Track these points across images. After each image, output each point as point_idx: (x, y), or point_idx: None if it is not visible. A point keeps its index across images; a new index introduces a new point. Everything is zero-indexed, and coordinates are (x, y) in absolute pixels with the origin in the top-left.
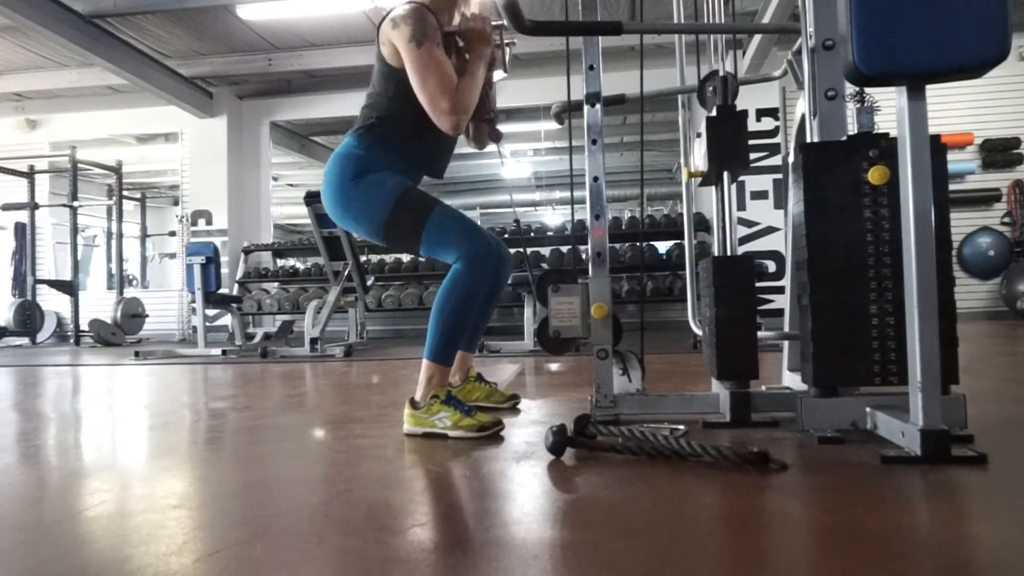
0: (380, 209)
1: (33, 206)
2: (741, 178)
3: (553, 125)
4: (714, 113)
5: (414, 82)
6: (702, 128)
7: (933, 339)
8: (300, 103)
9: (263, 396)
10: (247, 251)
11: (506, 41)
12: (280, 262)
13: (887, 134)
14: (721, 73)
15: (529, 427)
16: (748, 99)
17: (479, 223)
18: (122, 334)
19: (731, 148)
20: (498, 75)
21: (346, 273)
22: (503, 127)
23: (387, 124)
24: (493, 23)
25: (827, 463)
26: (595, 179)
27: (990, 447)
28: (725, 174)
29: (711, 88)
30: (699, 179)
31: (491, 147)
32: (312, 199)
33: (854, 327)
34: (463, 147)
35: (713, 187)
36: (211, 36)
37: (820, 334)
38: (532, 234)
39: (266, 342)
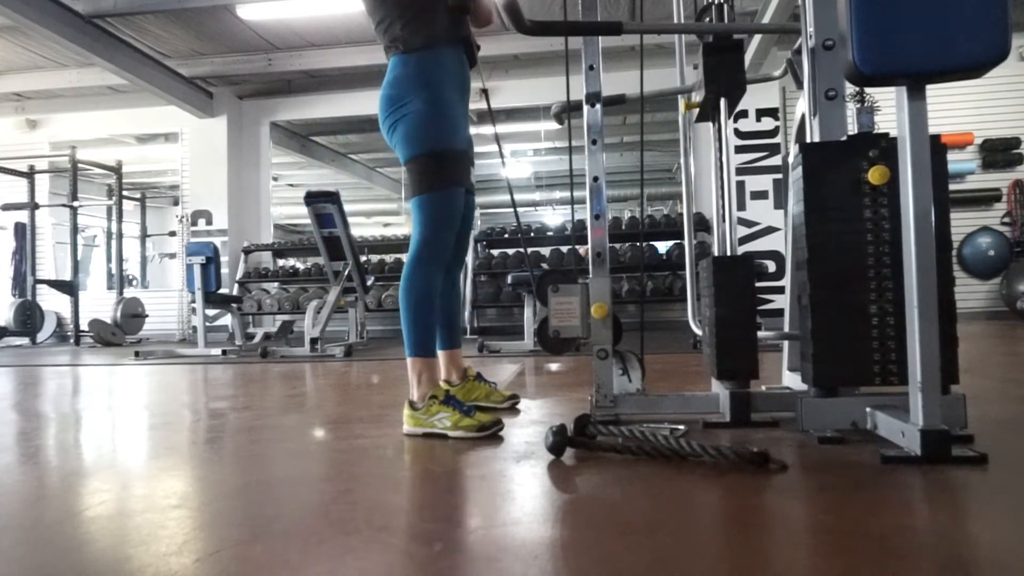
0: (418, 146)
1: (33, 206)
2: (741, 178)
3: (553, 125)
4: (711, 40)
5: None
6: (699, 59)
7: (933, 339)
8: (300, 103)
9: (263, 396)
10: (247, 251)
11: None
12: (280, 262)
13: (887, 134)
14: (718, 1)
15: (529, 427)
16: (748, 99)
17: (477, 222)
18: (122, 334)
19: (728, 74)
20: None
21: (346, 273)
22: (503, 127)
23: (408, 25)
24: None
25: (827, 463)
26: (595, 179)
27: (990, 447)
28: (722, 103)
29: (708, 18)
30: (697, 175)
31: (493, 146)
32: (312, 199)
33: (854, 327)
34: None
35: (711, 123)
36: (211, 36)
37: (820, 334)
38: (532, 234)
39: (266, 342)
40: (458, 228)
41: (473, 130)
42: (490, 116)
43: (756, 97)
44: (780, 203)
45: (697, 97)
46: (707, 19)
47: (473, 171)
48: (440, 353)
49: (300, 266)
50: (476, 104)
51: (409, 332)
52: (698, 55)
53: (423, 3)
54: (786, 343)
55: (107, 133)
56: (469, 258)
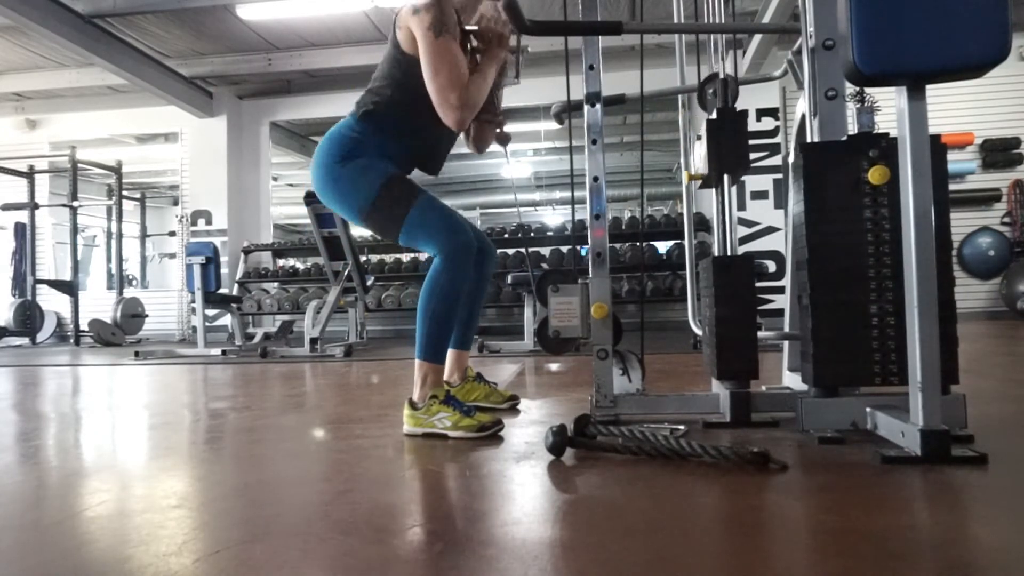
0: (366, 193)
1: (33, 206)
2: (741, 178)
3: (553, 125)
4: (714, 116)
5: (426, 71)
6: (702, 131)
7: (933, 339)
8: (300, 103)
9: (263, 396)
10: (247, 251)
11: (522, 46)
12: (280, 262)
13: (887, 134)
14: (721, 75)
15: (529, 427)
16: (748, 99)
17: (477, 221)
18: (122, 334)
19: (731, 151)
20: (509, 80)
21: (346, 273)
22: (504, 128)
23: (388, 111)
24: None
25: (827, 463)
26: (595, 179)
27: (990, 447)
28: (725, 177)
29: (711, 90)
30: (699, 181)
31: (493, 146)
32: (312, 199)
33: (854, 327)
34: (462, 147)
35: (713, 189)
36: (211, 36)
37: (820, 334)
38: (532, 234)
39: (266, 342)
40: (465, 222)
41: None
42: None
43: (756, 97)
44: (780, 203)
45: (701, 169)
46: (710, 91)
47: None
48: (448, 352)
49: (300, 266)
50: None
51: (423, 335)
52: (699, 58)
53: (418, 130)
54: (786, 343)
55: (107, 133)
56: None
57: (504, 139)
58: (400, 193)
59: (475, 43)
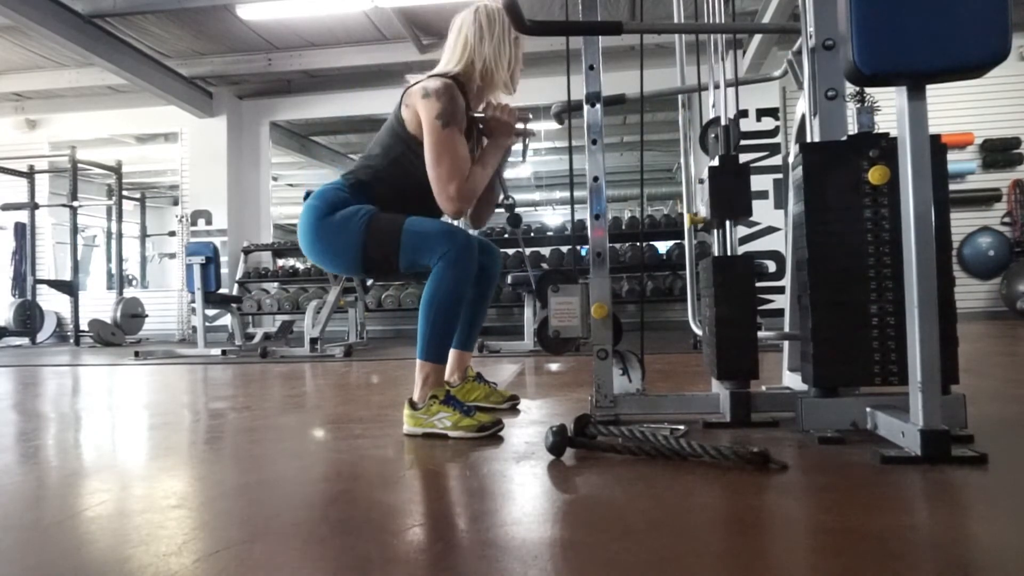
0: (354, 241)
1: (33, 206)
2: (743, 223)
3: (553, 125)
4: (716, 162)
5: (429, 159)
6: (705, 175)
7: (933, 339)
8: (300, 103)
9: (263, 396)
10: (247, 251)
11: (528, 131)
12: (280, 262)
13: (887, 134)
14: (723, 122)
15: (529, 427)
16: (748, 99)
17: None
18: (122, 334)
19: (733, 198)
20: (514, 163)
21: None
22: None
23: (380, 184)
24: (519, 117)
25: (827, 463)
26: (595, 179)
27: (990, 447)
28: (727, 222)
29: (713, 135)
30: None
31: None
32: None
33: (854, 327)
34: None
35: (715, 231)
36: (211, 36)
37: (820, 334)
38: (532, 234)
39: (266, 342)
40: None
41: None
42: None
43: (756, 97)
44: (780, 203)
45: (703, 212)
46: (712, 136)
47: None
48: (451, 352)
49: (300, 266)
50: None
51: (425, 336)
52: (699, 58)
53: (409, 206)
54: (786, 343)
55: (107, 133)
56: None
57: (515, 222)
58: (385, 224)
59: (481, 128)
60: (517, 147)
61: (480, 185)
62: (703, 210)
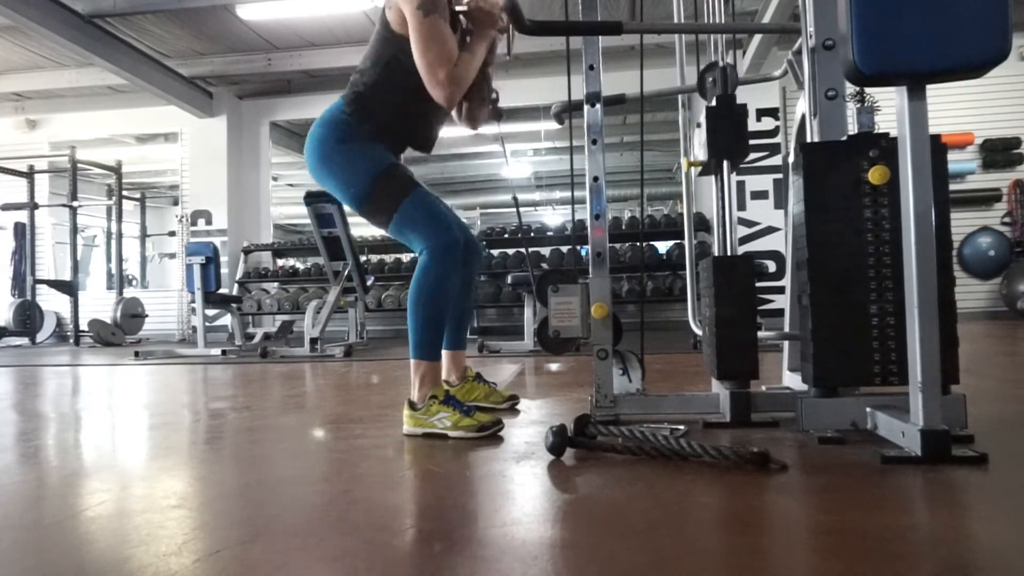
0: (362, 179)
1: (33, 206)
2: (741, 178)
3: (553, 125)
4: (714, 103)
5: (415, 49)
6: (702, 118)
7: (933, 339)
8: (300, 103)
9: (263, 396)
10: (247, 251)
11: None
12: (280, 262)
13: (887, 134)
14: (721, 64)
15: (529, 427)
16: (748, 99)
17: (477, 221)
18: (122, 334)
19: (731, 138)
20: (500, 55)
21: (346, 273)
22: (503, 127)
23: (378, 91)
24: (501, 6)
25: (827, 463)
26: (595, 179)
27: (990, 447)
28: (725, 164)
29: (711, 79)
30: (699, 169)
31: (493, 146)
32: (312, 199)
33: (854, 327)
34: (464, 147)
35: (713, 177)
36: (211, 36)
37: (820, 334)
38: (532, 234)
39: (266, 342)
40: (456, 222)
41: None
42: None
43: (756, 97)
44: (780, 203)
45: (700, 156)
46: (710, 79)
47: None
48: (444, 353)
49: (300, 266)
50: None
51: (415, 334)
52: (699, 59)
53: (408, 108)
54: (786, 343)
55: (107, 133)
56: None
57: (497, 115)
58: (393, 186)
59: (465, 24)
60: (501, 55)
61: (469, 72)
62: (701, 154)
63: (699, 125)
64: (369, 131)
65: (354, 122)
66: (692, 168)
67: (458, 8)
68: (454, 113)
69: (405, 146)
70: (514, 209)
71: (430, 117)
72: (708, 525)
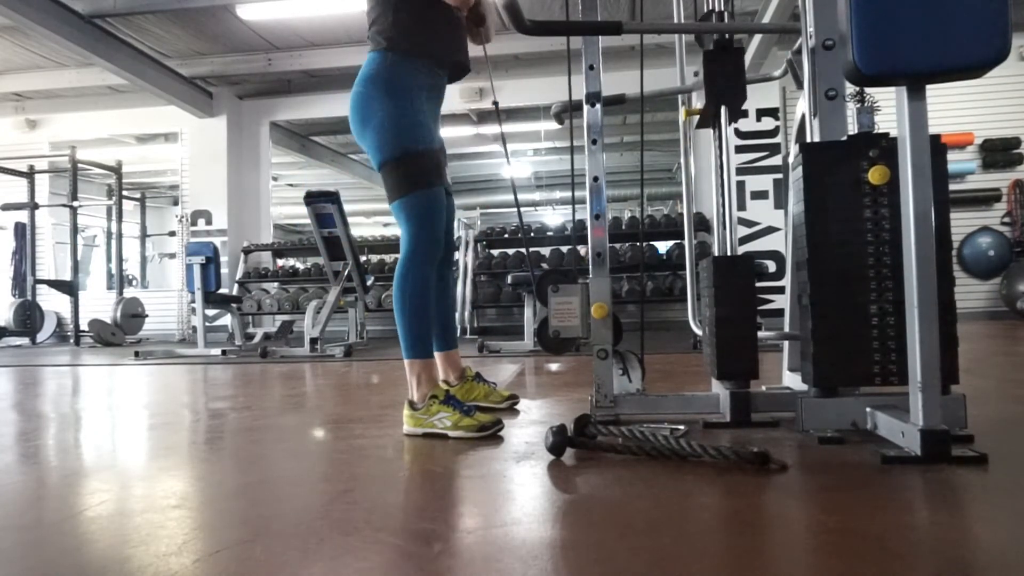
0: (392, 149)
1: (33, 206)
2: (741, 178)
3: (553, 125)
4: (711, 48)
5: None
6: (699, 66)
7: (933, 339)
8: (300, 103)
9: (263, 396)
10: (247, 251)
11: None
12: (280, 262)
13: (887, 134)
14: (718, 8)
15: (529, 427)
16: (748, 99)
17: (477, 221)
18: (122, 334)
19: (728, 83)
20: None
21: (346, 273)
22: (504, 127)
23: (399, 23)
24: None
25: (827, 463)
26: (595, 179)
27: (990, 447)
28: (723, 112)
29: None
30: (697, 171)
31: (493, 146)
32: (312, 199)
33: (854, 327)
34: (464, 147)
35: (711, 130)
36: (211, 36)
37: (820, 334)
38: (532, 234)
39: (266, 342)
40: (443, 227)
41: (473, 129)
42: (498, 119)
43: (756, 97)
44: (780, 203)
45: (697, 103)
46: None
47: (448, 171)
48: (437, 355)
49: (300, 266)
50: (477, 104)
51: (405, 334)
52: (699, 60)
53: (426, 14)
54: (786, 343)
55: (107, 133)
56: (469, 258)
57: (479, 21)
58: (412, 173)
59: None
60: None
61: None
62: (698, 103)
63: (696, 74)
64: (407, 56)
65: (393, 67)
66: (690, 117)
67: None
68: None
69: (445, 57)
70: (514, 209)
71: (454, 25)
72: (708, 525)
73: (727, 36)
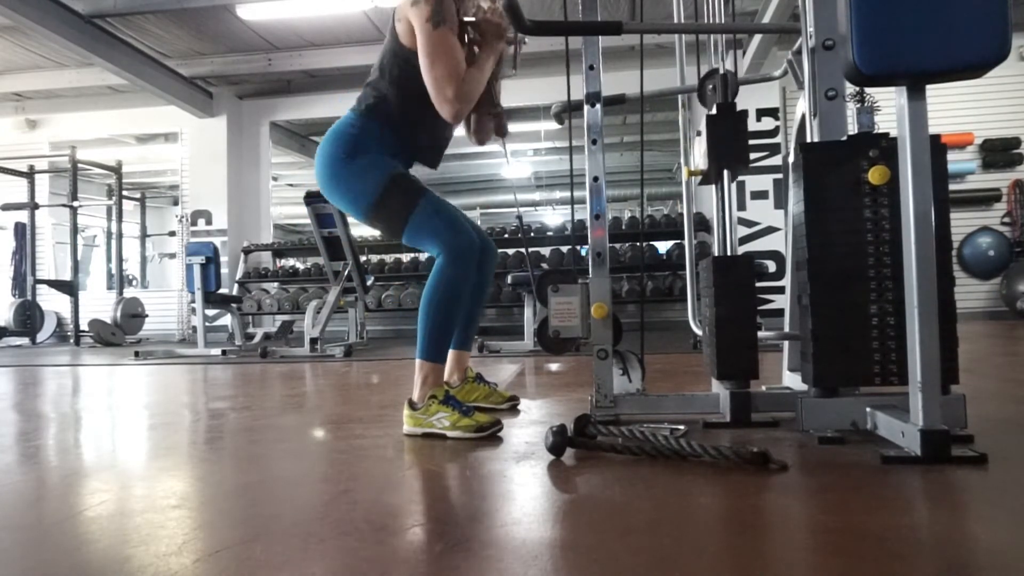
0: (371, 189)
1: (33, 206)
2: (741, 178)
3: (553, 125)
4: (714, 111)
5: (423, 63)
6: (702, 126)
7: (933, 339)
8: (300, 103)
9: (263, 396)
10: (247, 251)
11: (520, 37)
12: (280, 262)
13: (887, 134)
14: (721, 71)
15: (529, 427)
16: (748, 99)
17: (478, 221)
18: (122, 334)
19: (731, 147)
20: (507, 71)
21: (346, 273)
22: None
23: (388, 106)
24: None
25: (827, 463)
26: (595, 179)
27: (990, 447)
28: (725, 173)
29: (711, 86)
30: (699, 178)
31: (493, 146)
32: (312, 199)
33: (854, 327)
34: (464, 147)
35: (713, 186)
36: (211, 36)
37: (820, 334)
38: (532, 234)
39: (266, 342)
40: (467, 221)
41: None
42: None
43: (756, 97)
44: (780, 203)
45: (701, 165)
46: (710, 87)
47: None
48: (449, 352)
49: (300, 266)
50: None
51: (425, 335)
52: (699, 60)
53: (417, 111)
54: (786, 343)
55: (107, 133)
56: None
57: (502, 131)
58: (404, 192)
59: (473, 35)
60: (508, 78)
61: (477, 87)
62: (701, 162)
63: (699, 133)
64: (380, 144)
65: (364, 136)
66: (692, 178)
67: (466, 19)
68: (462, 126)
69: (414, 160)
70: (514, 209)
71: (439, 131)
72: (708, 525)
73: (729, 97)
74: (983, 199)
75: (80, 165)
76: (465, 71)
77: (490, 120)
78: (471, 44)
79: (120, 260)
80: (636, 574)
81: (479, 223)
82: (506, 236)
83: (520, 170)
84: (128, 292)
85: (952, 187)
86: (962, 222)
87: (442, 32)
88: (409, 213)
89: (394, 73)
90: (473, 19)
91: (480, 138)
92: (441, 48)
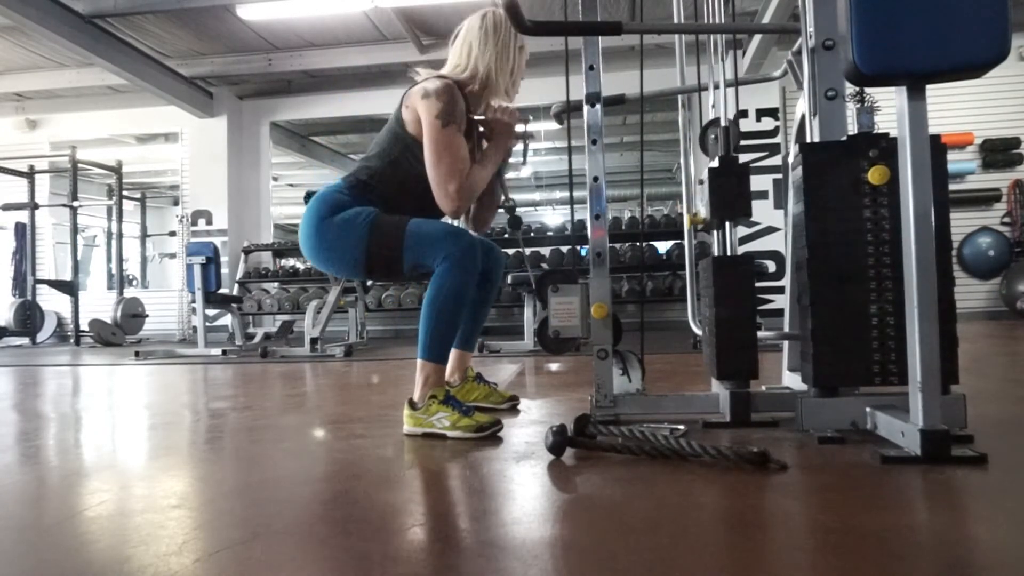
0: (357, 242)
1: (33, 206)
2: (742, 224)
3: (553, 125)
4: (716, 164)
5: (428, 158)
6: (704, 175)
7: (933, 339)
8: (300, 103)
9: (263, 396)
10: (247, 251)
11: (528, 133)
12: (280, 262)
13: (887, 134)
14: (723, 123)
15: (529, 427)
16: (748, 99)
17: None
18: (122, 334)
19: (733, 199)
20: (514, 165)
21: None
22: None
23: (380, 185)
24: (519, 119)
25: (827, 463)
26: (595, 179)
27: (990, 447)
28: (727, 223)
29: (713, 136)
30: (699, 178)
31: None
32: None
33: (854, 327)
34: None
35: (715, 232)
36: (211, 36)
37: (820, 334)
38: (532, 234)
39: (266, 342)
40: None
41: None
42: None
43: (756, 97)
44: (780, 203)
45: (703, 214)
46: (712, 136)
47: None
48: (452, 351)
49: (300, 266)
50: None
51: (426, 336)
52: (699, 60)
53: (412, 205)
54: (786, 343)
55: (107, 133)
56: None
57: (516, 224)
58: (388, 226)
59: (482, 130)
60: (518, 149)
61: (479, 185)
62: (703, 210)
63: (701, 182)
64: (367, 206)
65: (350, 202)
66: (694, 224)
67: (476, 117)
68: (461, 220)
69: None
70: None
71: (432, 215)
72: (708, 525)
73: (731, 149)
74: (983, 199)
75: (80, 165)
76: (469, 169)
77: (492, 211)
78: (480, 137)
79: (120, 260)
80: (636, 574)
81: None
82: (506, 236)
83: (520, 170)
84: (128, 292)
85: (952, 187)
86: (962, 222)
87: (450, 130)
88: (402, 244)
89: (393, 155)
90: (483, 117)
91: (477, 227)
92: (447, 146)
